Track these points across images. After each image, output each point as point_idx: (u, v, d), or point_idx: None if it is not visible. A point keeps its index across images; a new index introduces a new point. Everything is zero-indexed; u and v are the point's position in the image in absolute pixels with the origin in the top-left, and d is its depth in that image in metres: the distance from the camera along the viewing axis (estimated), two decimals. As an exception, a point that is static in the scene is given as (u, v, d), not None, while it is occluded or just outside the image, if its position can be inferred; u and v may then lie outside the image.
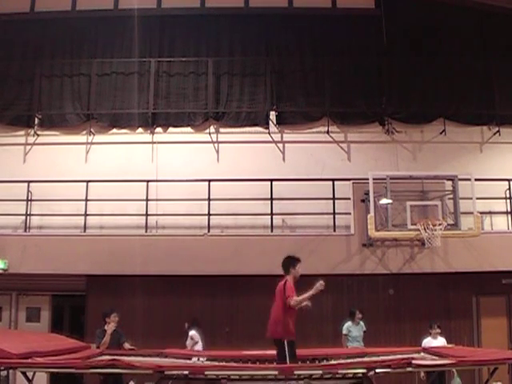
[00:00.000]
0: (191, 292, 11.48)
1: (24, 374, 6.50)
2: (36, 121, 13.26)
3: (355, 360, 6.99)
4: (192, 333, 10.18)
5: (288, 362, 6.45)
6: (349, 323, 10.43)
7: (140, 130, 13.24)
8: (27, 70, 13.41)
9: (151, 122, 13.12)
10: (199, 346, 10.04)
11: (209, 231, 11.65)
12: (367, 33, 13.48)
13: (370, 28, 13.40)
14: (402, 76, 13.29)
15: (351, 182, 11.58)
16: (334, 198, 11.89)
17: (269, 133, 13.17)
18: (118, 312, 8.76)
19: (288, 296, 6.63)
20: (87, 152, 13.15)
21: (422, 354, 7.70)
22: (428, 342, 9.74)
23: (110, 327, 8.46)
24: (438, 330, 9.95)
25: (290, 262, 6.94)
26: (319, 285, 6.68)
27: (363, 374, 6.24)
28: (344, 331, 10.37)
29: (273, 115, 13.22)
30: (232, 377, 6.37)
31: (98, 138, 13.23)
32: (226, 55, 13.65)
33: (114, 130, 13.30)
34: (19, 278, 11.53)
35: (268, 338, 6.76)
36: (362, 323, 10.47)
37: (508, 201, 12.38)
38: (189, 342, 10.02)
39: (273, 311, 6.79)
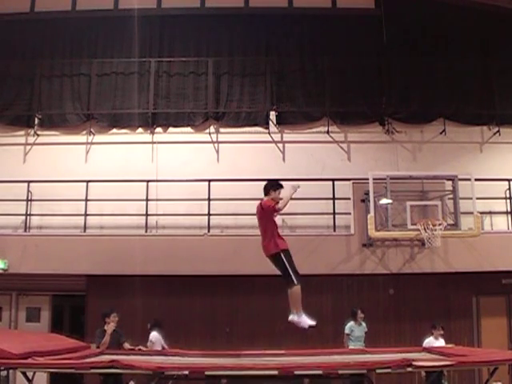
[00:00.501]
0: (191, 292, 11.48)
1: (24, 374, 6.51)
2: (36, 121, 13.26)
3: (355, 360, 6.97)
4: (151, 335, 9.97)
5: (289, 269, 6.62)
6: (351, 323, 10.40)
7: (140, 130, 13.24)
8: (27, 70, 13.41)
9: (151, 122, 13.12)
10: (158, 348, 9.76)
11: (209, 231, 11.65)
12: (367, 33, 13.47)
13: (369, 28, 13.38)
14: (402, 76, 13.29)
15: (351, 182, 11.58)
16: (334, 198, 11.90)
17: (269, 133, 13.17)
18: (117, 312, 8.77)
19: (269, 205, 6.73)
20: (87, 152, 13.15)
21: (423, 354, 7.69)
22: (429, 342, 9.72)
23: (109, 327, 8.47)
24: (441, 332, 9.95)
25: (273, 184, 6.96)
26: (295, 185, 6.81)
27: (363, 374, 6.24)
28: (347, 331, 10.34)
29: (273, 115, 13.21)
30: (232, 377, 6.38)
31: (98, 137, 13.23)
32: (226, 55, 13.65)
33: (114, 130, 13.30)
34: (19, 278, 11.53)
35: (266, 256, 6.93)
36: (363, 324, 10.45)
37: (508, 201, 12.39)
38: (149, 344, 9.84)
39: (262, 232, 6.97)
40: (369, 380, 6.38)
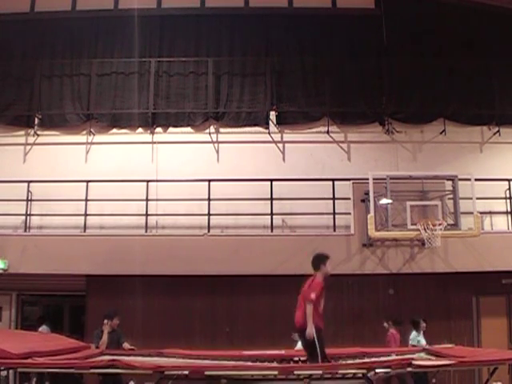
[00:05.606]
0: (191, 292, 11.48)
1: (24, 373, 6.51)
2: (36, 121, 13.25)
3: (355, 360, 6.98)
4: (41, 329, 10.02)
5: (318, 348, 6.53)
6: (415, 333, 10.11)
7: (140, 129, 13.24)
8: (27, 70, 13.40)
9: (151, 122, 13.12)
10: None
11: (209, 231, 11.65)
12: (367, 33, 13.47)
13: (370, 28, 13.39)
14: (402, 76, 13.27)
15: (351, 182, 11.58)
16: (334, 198, 11.89)
17: (269, 133, 13.17)
18: (119, 314, 8.80)
19: (310, 293, 6.67)
20: (87, 152, 13.14)
21: (423, 354, 7.69)
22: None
23: (105, 327, 8.49)
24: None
25: (320, 259, 7.02)
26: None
27: (363, 374, 6.24)
28: (413, 342, 9.98)
29: (273, 115, 13.21)
30: (232, 377, 6.37)
31: (98, 137, 13.23)
32: (226, 55, 13.64)
33: (114, 130, 13.30)
34: (19, 277, 11.52)
35: (296, 329, 6.85)
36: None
37: (508, 201, 12.39)
38: None
39: (299, 304, 6.84)
40: (369, 380, 6.38)
